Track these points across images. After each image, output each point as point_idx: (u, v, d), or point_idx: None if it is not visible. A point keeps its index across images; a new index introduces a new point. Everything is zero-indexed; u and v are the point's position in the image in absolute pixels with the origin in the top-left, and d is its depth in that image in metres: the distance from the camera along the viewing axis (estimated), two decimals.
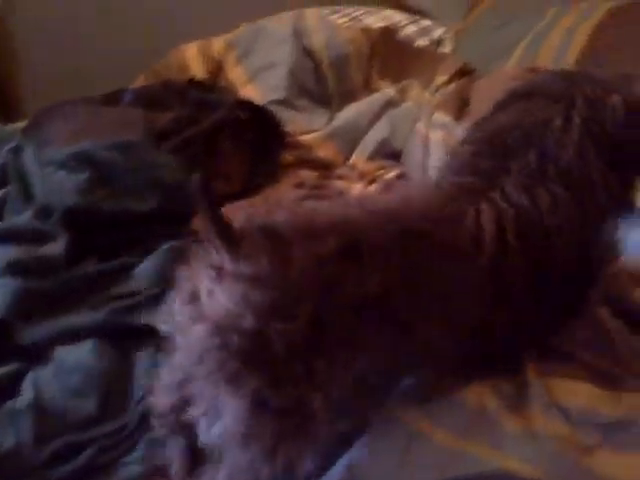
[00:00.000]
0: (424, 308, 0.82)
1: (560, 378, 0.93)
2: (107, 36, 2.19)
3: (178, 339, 0.81)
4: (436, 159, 1.51)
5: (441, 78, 1.76)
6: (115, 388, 1.00)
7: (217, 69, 1.84)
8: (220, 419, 0.77)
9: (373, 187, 1.51)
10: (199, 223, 0.79)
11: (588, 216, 0.93)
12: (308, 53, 1.80)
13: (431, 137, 1.57)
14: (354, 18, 1.99)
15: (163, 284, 1.10)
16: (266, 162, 1.59)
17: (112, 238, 1.23)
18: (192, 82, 1.74)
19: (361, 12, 2.03)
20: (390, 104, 1.71)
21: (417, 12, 2.14)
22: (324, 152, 1.65)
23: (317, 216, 0.80)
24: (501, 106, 1.00)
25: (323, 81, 1.80)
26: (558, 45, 1.73)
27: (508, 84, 1.44)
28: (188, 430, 0.85)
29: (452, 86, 1.72)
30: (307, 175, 1.59)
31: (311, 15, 1.90)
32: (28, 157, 1.36)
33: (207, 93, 1.69)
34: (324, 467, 0.84)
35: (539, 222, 0.89)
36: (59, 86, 1.95)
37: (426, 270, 0.82)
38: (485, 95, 1.60)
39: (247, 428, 0.76)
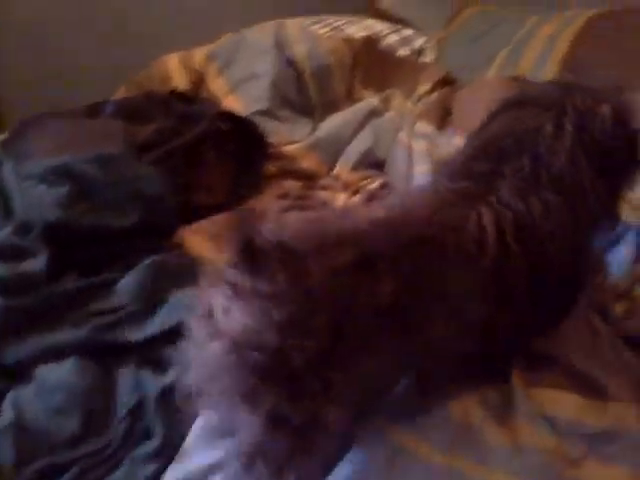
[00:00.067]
0: (432, 312, 0.83)
1: (546, 388, 0.94)
2: (91, 47, 2.17)
3: (192, 354, 0.81)
4: (420, 168, 1.51)
5: (423, 87, 1.76)
6: (98, 406, 0.99)
7: (199, 80, 1.83)
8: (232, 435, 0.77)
9: (357, 197, 1.50)
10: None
11: (579, 222, 0.95)
12: (290, 64, 1.80)
13: (414, 147, 1.57)
14: (336, 28, 1.99)
15: (145, 299, 1.10)
16: (249, 173, 1.58)
17: (93, 253, 1.21)
18: (174, 93, 1.73)
19: (343, 22, 2.03)
20: (373, 114, 1.71)
21: (398, 21, 2.14)
22: (307, 163, 1.64)
23: (327, 229, 0.80)
24: (495, 115, 1.02)
25: (305, 91, 1.79)
26: (539, 53, 1.74)
27: (492, 94, 1.48)
28: None
29: (434, 95, 1.72)
30: (291, 186, 1.58)
31: (292, 25, 1.90)
32: (7, 171, 1.35)
33: (189, 104, 1.68)
34: None
35: (534, 226, 0.90)
36: (41, 99, 1.93)
37: (434, 275, 0.83)
38: (467, 104, 1.62)
39: (261, 445, 0.77)
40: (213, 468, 0.89)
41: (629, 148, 0.99)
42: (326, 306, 0.74)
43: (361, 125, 1.68)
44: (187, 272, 1.16)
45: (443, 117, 1.64)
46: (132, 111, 1.58)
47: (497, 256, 0.87)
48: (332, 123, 1.72)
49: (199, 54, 1.86)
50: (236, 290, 0.74)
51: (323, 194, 1.54)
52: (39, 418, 0.96)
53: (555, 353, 0.98)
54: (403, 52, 1.98)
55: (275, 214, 1.41)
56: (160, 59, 1.88)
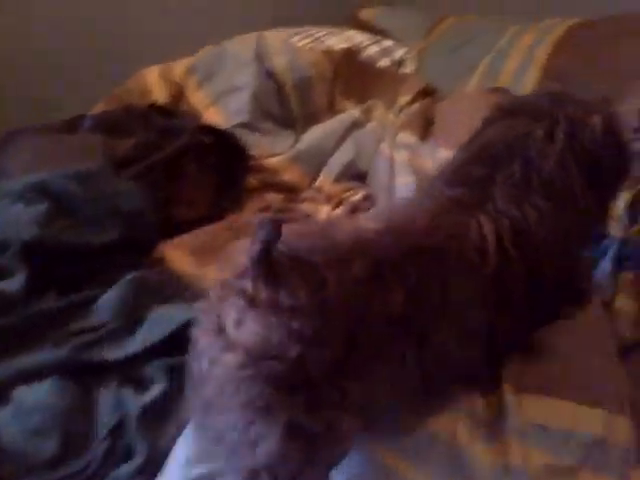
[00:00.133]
0: (439, 320, 0.84)
1: (539, 395, 0.92)
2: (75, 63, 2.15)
3: (201, 370, 0.80)
4: (402, 179, 1.51)
5: (404, 98, 1.76)
6: (77, 426, 0.98)
7: (179, 93, 1.81)
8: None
9: (340, 209, 1.50)
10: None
11: (570, 227, 0.97)
12: (271, 76, 1.79)
13: (396, 157, 1.57)
14: (316, 39, 1.98)
15: (126, 317, 1.08)
16: (231, 186, 1.57)
17: (72, 270, 1.19)
18: (154, 107, 1.71)
19: (323, 33, 2.03)
20: (355, 125, 1.70)
21: (379, 32, 2.14)
22: (289, 175, 1.63)
23: (335, 240, 0.81)
24: (488, 122, 1.04)
25: (287, 104, 1.78)
26: (520, 63, 1.75)
27: (474, 106, 1.50)
28: None
29: (416, 106, 1.72)
30: (273, 199, 1.57)
31: (272, 37, 1.89)
32: None
33: (169, 118, 1.67)
34: None
35: (529, 232, 0.92)
36: (22, 114, 1.89)
37: (437, 283, 0.84)
38: (449, 116, 1.62)
39: (278, 457, 0.76)
40: None
41: (618, 159, 1.01)
42: (342, 316, 0.75)
43: (343, 137, 1.68)
44: (168, 288, 1.15)
45: (425, 128, 1.64)
46: (111, 125, 1.57)
47: (497, 263, 0.89)
48: (314, 135, 1.71)
49: (179, 67, 1.84)
50: (251, 301, 0.74)
51: (305, 207, 1.53)
52: (17, 440, 0.94)
53: (549, 353, 0.97)
54: (384, 63, 1.97)
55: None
56: (139, 72, 1.86)
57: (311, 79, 1.80)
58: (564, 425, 0.88)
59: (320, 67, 1.82)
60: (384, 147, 1.60)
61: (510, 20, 1.93)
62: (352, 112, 1.75)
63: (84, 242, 1.21)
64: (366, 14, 2.25)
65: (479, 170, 0.96)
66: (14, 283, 1.13)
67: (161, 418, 0.97)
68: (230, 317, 0.76)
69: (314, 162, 1.65)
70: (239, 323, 0.75)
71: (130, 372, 1.02)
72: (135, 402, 0.98)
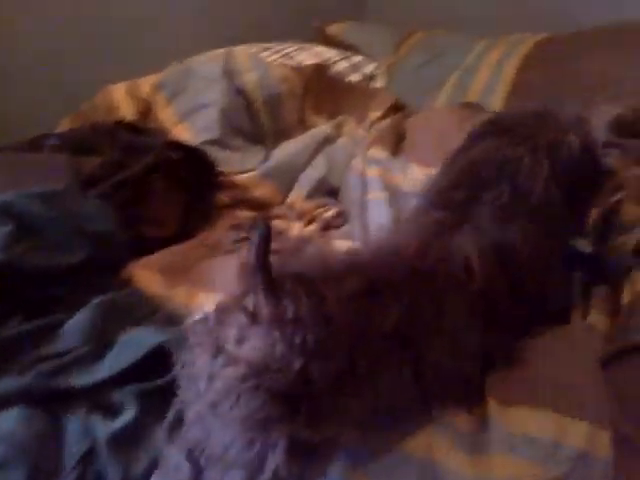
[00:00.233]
0: (433, 337, 0.85)
1: (524, 406, 0.91)
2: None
3: (198, 391, 0.80)
4: (374, 195, 1.50)
5: (375, 114, 1.77)
6: (45, 457, 0.93)
7: (147, 110, 1.79)
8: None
9: (312, 226, 1.49)
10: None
11: (552, 245, 1.01)
12: (240, 92, 1.77)
13: (367, 173, 1.56)
14: (286, 55, 1.98)
15: (94, 341, 1.05)
16: (201, 204, 1.54)
17: (38, 294, 1.15)
18: (120, 124, 1.68)
19: (293, 49, 2.02)
20: (327, 141, 1.70)
21: (347, 47, 2.14)
22: (261, 192, 1.62)
23: (330, 260, 0.85)
24: (472, 141, 1.07)
25: (257, 120, 1.77)
26: (488, 78, 1.77)
27: (445, 122, 1.51)
28: None
29: (386, 122, 1.72)
30: (244, 216, 1.55)
31: (241, 53, 1.88)
32: None
33: (137, 135, 1.64)
34: None
35: (513, 250, 0.95)
36: None
37: (432, 303, 0.86)
38: (420, 132, 1.62)
39: (283, 472, 0.76)
40: None
41: (593, 175, 1.04)
42: (341, 330, 0.76)
43: (314, 152, 1.67)
44: (137, 310, 1.12)
45: (396, 143, 1.64)
46: (77, 143, 1.53)
47: (482, 280, 0.91)
48: (285, 151, 1.70)
49: (146, 83, 1.82)
50: (253, 317, 0.76)
51: (277, 223, 1.51)
52: None
53: (532, 367, 0.97)
54: (354, 78, 1.98)
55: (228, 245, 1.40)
56: (106, 89, 1.84)
57: (281, 95, 1.80)
58: (551, 436, 0.87)
59: (290, 83, 1.82)
60: (356, 162, 1.60)
61: (478, 35, 1.95)
62: (323, 128, 1.75)
63: (50, 264, 1.17)
64: (334, 29, 2.26)
65: (463, 192, 0.98)
66: None
67: (133, 444, 0.94)
68: (230, 336, 0.77)
69: (285, 178, 1.64)
70: (240, 341, 0.76)
71: (99, 398, 0.98)
72: (105, 428, 0.95)
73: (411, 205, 1.39)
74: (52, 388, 0.99)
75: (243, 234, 1.45)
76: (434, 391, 0.87)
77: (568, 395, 0.92)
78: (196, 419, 0.84)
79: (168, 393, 0.96)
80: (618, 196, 1.19)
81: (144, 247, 1.35)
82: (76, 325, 1.08)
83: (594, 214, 1.22)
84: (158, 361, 1.00)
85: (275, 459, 0.76)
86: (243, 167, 1.66)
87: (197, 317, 1.12)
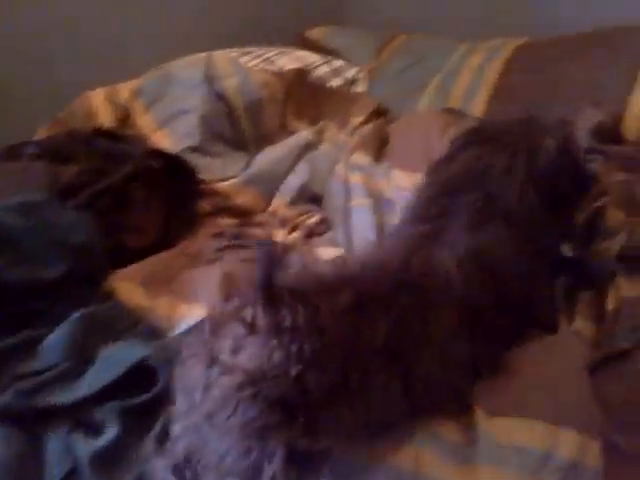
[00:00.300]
0: (422, 349, 0.86)
1: (512, 416, 0.90)
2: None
3: (193, 402, 0.80)
4: (357, 201, 1.49)
5: (357, 119, 1.76)
6: (25, 477, 0.91)
7: (126, 116, 1.77)
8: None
9: (296, 234, 1.47)
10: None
11: (531, 250, 1.02)
12: (221, 98, 1.75)
13: (350, 179, 1.55)
14: (266, 60, 1.96)
15: (75, 357, 1.02)
16: (182, 212, 1.52)
17: (17, 309, 1.11)
18: (98, 131, 1.65)
19: (273, 53, 2.00)
20: (309, 147, 1.69)
21: (328, 52, 2.13)
22: (243, 199, 1.60)
23: (322, 273, 0.87)
24: (457, 151, 1.09)
25: (238, 126, 1.75)
26: (470, 82, 1.77)
27: (427, 127, 1.51)
28: None
29: (369, 127, 1.72)
30: (226, 223, 1.54)
31: (221, 58, 1.85)
32: None
33: (115, 142, 1.61)
34: None
35: (486, 252, 0.97)
36: None
37: (419, 316, 0.87)
38: (403, 138, 1.62)
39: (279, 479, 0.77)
40: None
41: (574, 179, 1.06)
42: (335, 342, 0.78)
43: (296, 159, 1.66)
44: (119, 323, 1.10)
45: (379, 148, 1.64)
46: (55, 152, 1.50)
47: (463, 288, 0.92)
48: (267, 157, 1.68)
49: (125, 89, 1.79)
50: (250, 328, 0.77)
51: (260, 231, 1.50)
52: None
53: (519, 375, 0.96)
54: (335, 83, 1.97)
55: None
56: (84, 95, 1.81)
57: (262, 101, 1.78)
58: (541, 447, 0.86)
59: (271, 88, 1.81)
60: (339, 168, 1.59)
61: (459, 39, 1.95)
62: (305, 133, 1.73)
63: (29, 278, 1.14)
64: (315, 33, 2.25)
65: (444, 203, 1.01)
66: None
67: (116, 463, 0.92)
68: (226, 347, 0.78)
69: (268, 185, 1.62)
70: (236, 351, 0.77)
71: (80, 416, 0.96)
72: (86, 447, 0.93)
73: (395, 212, 1.40)
74: (31, 407, 0.96)
75: (225, 243, 1.43)
76: (424, 404, 0.87)
77: (557, 404, 0.92)
78: (186, 432, 0.83)
79: (151, 409, 0.95)
80: (602, 201, 1.19)
81: (125, 257, 1.33)
82: (56, 341, 1.06)
83: (579, 219, 1.23)
84: (141, 376, 0.98)
85: (272, 467, 0.76)
86: (224, 174, 1.64)
87: (181, 330, 1.11)
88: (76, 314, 1.09)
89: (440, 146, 1.35)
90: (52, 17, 1.99)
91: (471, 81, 1.78)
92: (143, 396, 0.95)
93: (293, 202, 1.59)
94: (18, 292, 1.11)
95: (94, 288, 1.20)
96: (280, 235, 1.48)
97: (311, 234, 1.48)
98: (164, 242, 1.44)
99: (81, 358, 1.03)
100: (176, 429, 0.86)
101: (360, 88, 1.98)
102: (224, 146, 1.72)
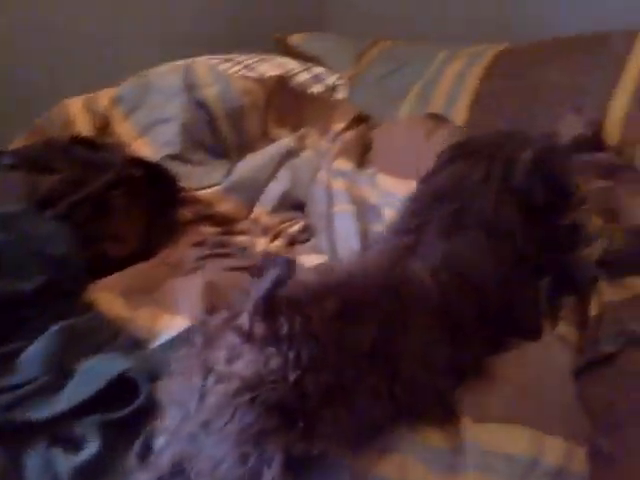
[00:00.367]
0: (405, 353, 0.88)
1: (499, 424, 0.90)
2: None
3: (188, 412, 0.80)
4: (339, 207, 1.49)
5: (338, 126, 1.75)
6: None
7: (105, 124, 1.75)
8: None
9: (278, 242, 1.46)
10: None
11: (508, 256, 1.04)
12: (202, 106, 1.74)
13: (333, 185, 1.55)
14: (247, 66, 1.95)
15: (55, 371, 1.00)
16: (163, 221, 1.50)
17: None
18: (77, 139, 1.63)
19: (254, 60, 2.00)
20: (290, 154, 1.68)
21: (308, 59, 2.13)
22: (224, 207, 1.59)
23: (307, 283, 0.88)
24: (442, 165, 1.13)
25: (219, 134, 1.74)
26: (450, 89, 1.78)
27: (412, 133, 1.52)
28: None
29: (351, 133, 1.72)
30: (208, 232, 1.52)
31: (201, 66, 1.84)
32: None
33: (94, 151, 1.59)
34: None
35: (459, 257, 1.00)
36: None
37: (399, 320, 0.89)
38: (388, 141, 1.62)
39: None
40: None
41: (553, 190, 1.08)
42: (327, 348, 0.80)
43: (278, 166, 1.65)
44: (99, 335, 1.09)
45: (362, 154, 1.64)
46: (32, 161, 1.47)
47: (439, 294, 0.95)
48: (248, 165, 1.67)
49: (104, 97, 1.77)
50: (247, 337, 0.79)
51: (242, 239, 1.49)
52: None
53: (504, 383, 0.96)
54: (316, 90, 1.97)
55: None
56: (62, 103, 1.78)
57: (243, 108, 1.77)
58: (528, 453, 0.86)
59: (252, 96, 1.80)
60: (321, 175, 1.58)
61: (440, 44, 1.95)
62: (286, 140, 1.72)
63: (7, 291, 1.12)
64: (296, 39, 2.24)
65: (424, 216, 1.05)
66: None
67: (97, 478, 0.90)
68: (220, 357, 0.79)
69: (249, 192, 1.61)
70: (231, 360, 0.78)
71: (60, 431, 0.94)
72: (67, 463, 0.90)
73: (380, 217, 1.41)
74: (10, 422, 0.94)
75: (207, 251, 1.42)
76: (410, 407, 0.87)
77: (543, 410, 0.92)
78: (176, 443, 0.82)
79: (133, 423, 0.93)
80: (581, 209, 1.21)
81: (105, 266, 1.31)
82: (34, 354, 1.04)
83: (560, 227, 1.24)
84: (121, 389, 0.96)
85: (271, 472, 0.76)
86: (206, 182, 1.63)
87: (163, 341, 1.10)
88: (55, 326, 1.07)
89: (427, 150, 1.36)
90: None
91: (452, 87, 1.78)
92: (124, 410, 0.94)
93: (275, 210, 1.57)
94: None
95: (74, 299, 1.18)
96: (262, 243, 1.47)
97: (293, 242, 1.47)
98: (145, 251, 1.42)
99: (61, 371, 1.01)
100: (162, 442, 0.85)
101: (341, 95, 1.97)
102: (205, 154, 1.71)
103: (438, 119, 1.65)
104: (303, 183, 1.60)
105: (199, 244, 1.46)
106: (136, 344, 1.10)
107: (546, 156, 1.08)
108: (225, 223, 1.56)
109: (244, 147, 1.74)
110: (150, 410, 0.91)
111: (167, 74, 1.82)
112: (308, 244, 1.46)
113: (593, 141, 1.52)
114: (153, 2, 2.20)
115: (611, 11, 1.81)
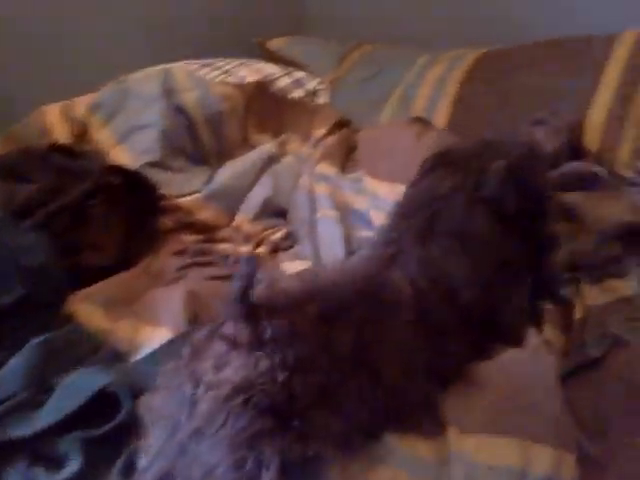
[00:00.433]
0: (385, 358, 0.89)
1: (486, 434, 0.89)
2: None
3: (179, 421, 0.80)
4: (323, 212, 1.48)
5: (320, 131, 1.75)
6: None
7: (83, 132, 1.72)
8: None
9: (261, 249, 1.45)
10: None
11: (481, 265, 1.04)
12: (181, 112, 1.72)
13: (316, 190, 1.54)
14: (226, 72, 1.94)
15: (35, 387, 0.98)
16: (143, 229, 1.48)
17: None
18: (54, 147, 1.60)
19: (233, 65, 1.98)
20: (272, 160, 1.66)
21: (288, 63, 2.12)
22: (205, 214, 1.57)
23: (289, 289, 0.89)
24: (423, 174, 1.15)
25: (199, 140, 1.72)
26: (431, 93, 1.78)
27: (397, 136, 1.52)
28: None
29: (334, 138, 1.71)
30: (189, 240, 1.50)
31: (180, 71, 1.82)
32: None
33: (72, 158, 1.56)
34: None
35: (433, 264, 1.01)
36: None
37: (377, 326, 0.90)
38: (372, 145, 1.62)
39: None
40: None
41: (527, 199, 1.10)
42: (316, 348, 0.81)
43: (259, 172, 1.63)
44: (79, 349, 1.06)
45: (344, 159, 1.63)
46: (9, 170, 1.45)
47: (414, 299, 0.96)
48: (229, 172, 1.65)
49: (81, 104, 1.74)
50: (233, 344, 0.80)
51: (224, 247, 1.47)
52: None
53: (489, 392, 0.95)
54: (297, 94, 1.96)
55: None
56: (38, 110, 1.75)
57: (223, 114, 1.75)
58: (516, 464, 0.85)
59: (232, 101, 1.78)
60: (304, 180, 1.57)
61: (421, 48, 1.95)
62: (267, 146, 1.71)
63: None
64: (276, 44, 2.23)
65: (403, 226, 1.07)
66: None
67: None
68: (207, 367, 0.80)
69: (231, 200, 1.59)
70: (219, 368, 0.79)
71: (41, 449, 0.92)
72: None
73: (365, 222, 1.41)
74: None
75: (188, 260, 1.40)
76: (395, 413, 0.87)
77: (531, 419, 0.91)
78: (163, 456, 0.81)
79: (115, 439, 0.91)
80: (552, 215, 1.22)
81: (84, 277, 1.29)
82: (13, 369, 1.01)
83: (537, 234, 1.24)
84: (102, 403, 0.94)
85: (269, 475, 0.76)
86: (186, 189, 1.60)
87: (144, 353, 1.08)
88: (34, 340, 1.05)
89: (417, 152, 1.37)
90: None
91: (433, 91, 1.78)
92: (106, 426, 0.92)
93: (257, 217, 1.56)
94: None
95: (53, 311, 1.16)
96: (244, 251, 1.45)
97: (276, 249, 1.46)
98: (125, 260, 1.40)
99: (40, 387, 0.98)
100: (146, 460, 0.83)
101: (322, 99, 1.97)
102: (185, 161, 1.69)
103: (423, 122, 1.65)
104: (285, 190, 1.59)
105: (180, 253, 1.44)
106: (117, 357, 1.08)
107: (521, 164, 1.09)
108: (206, 231, 1.54)
109: (224, 153, 1.72)
110: (132, 425, 0.89)
111: (146, 80, 1.79)
112: (291, 251, 1.45)
113: (573, 149, 1.53)
114: (134, 6, 2.17)
115: (594, 14, 1.81)
